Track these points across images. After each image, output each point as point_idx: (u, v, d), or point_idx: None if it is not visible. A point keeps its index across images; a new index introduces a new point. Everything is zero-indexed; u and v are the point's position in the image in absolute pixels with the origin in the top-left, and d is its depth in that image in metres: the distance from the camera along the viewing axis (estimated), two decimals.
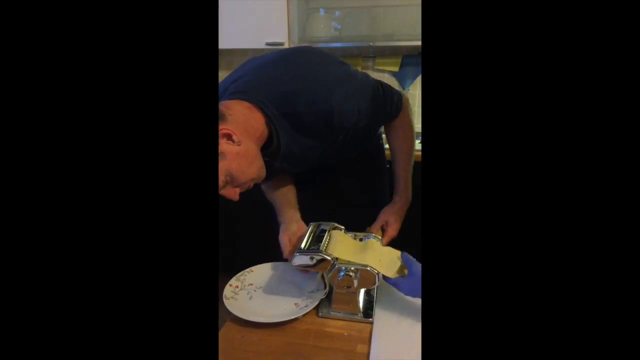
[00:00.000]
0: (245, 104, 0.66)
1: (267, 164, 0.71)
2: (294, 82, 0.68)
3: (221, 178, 0.63)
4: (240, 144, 0.64)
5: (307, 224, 0.79)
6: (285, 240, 0.80)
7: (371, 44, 1.74)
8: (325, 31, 1.85)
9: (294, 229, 0.81)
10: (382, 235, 0.84)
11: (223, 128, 0.62)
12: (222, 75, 0.74)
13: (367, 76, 0.79)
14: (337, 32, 1.86)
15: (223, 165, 0.62)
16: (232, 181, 0.65)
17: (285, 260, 0.79)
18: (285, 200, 0.87)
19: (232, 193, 0.66)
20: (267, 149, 0.71)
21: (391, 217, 0.86)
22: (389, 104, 0.81)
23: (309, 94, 0.68)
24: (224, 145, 0.63)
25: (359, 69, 1.92)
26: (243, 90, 0.67)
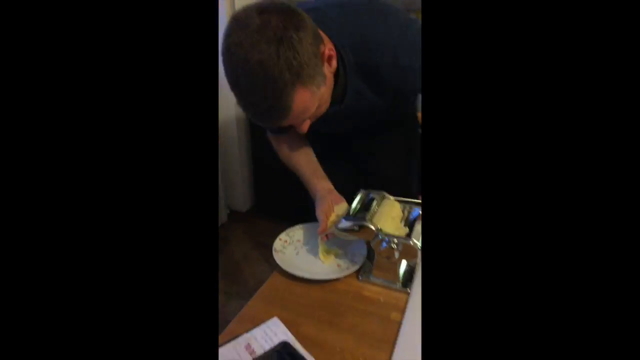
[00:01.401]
0: (329, 44, 0.61)
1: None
2: (379, 30, 0.63)
3: (315, 106, 0.59)
4: (333, 69, 0.60)
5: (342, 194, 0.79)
6: (322, 217, 0.76)
7: None
8: None
9: (329, 202, 0.78)
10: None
11: (328, 48, 0.58)
12: None
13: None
14: None
15: (324, 92, 0.59)
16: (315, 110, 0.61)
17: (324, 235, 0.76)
18: (313, 171, 0.83)
19: (305, 124, 0.63)
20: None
21: None
22: None
23: (394, 46, 0.63)
24: (326, 68, 0.59)
25: None
26: (328, 26, 0.60)
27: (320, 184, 0.82)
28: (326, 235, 0.76)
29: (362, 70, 0.64)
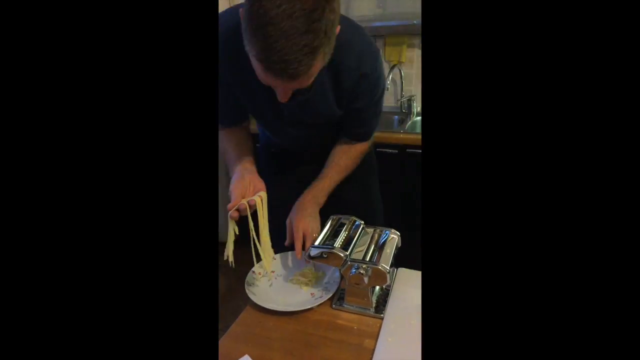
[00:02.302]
0: None
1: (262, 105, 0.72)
2: (348, 36, 0.65)
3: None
4: None
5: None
6: (236, 193, 0.73)
7: (416, 22, 1.65)
8: (368, 9, 1.78)
9: (247, 181, 0.76)
10: None
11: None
12: None
13: None
14: (381, 9, 1.78)
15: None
16: None
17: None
18: (243, 150, 0.83)
19: (289, 93, 0.63)
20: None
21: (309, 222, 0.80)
22: (374, 121, 0.86)
23: (360, 52, 0.69)
24: None
25: (405, 47, 1.84)
26: None
27: (244, 165, 0.79)
28: (237, 210, 0.72)
29: (328, 64, 0.64)
